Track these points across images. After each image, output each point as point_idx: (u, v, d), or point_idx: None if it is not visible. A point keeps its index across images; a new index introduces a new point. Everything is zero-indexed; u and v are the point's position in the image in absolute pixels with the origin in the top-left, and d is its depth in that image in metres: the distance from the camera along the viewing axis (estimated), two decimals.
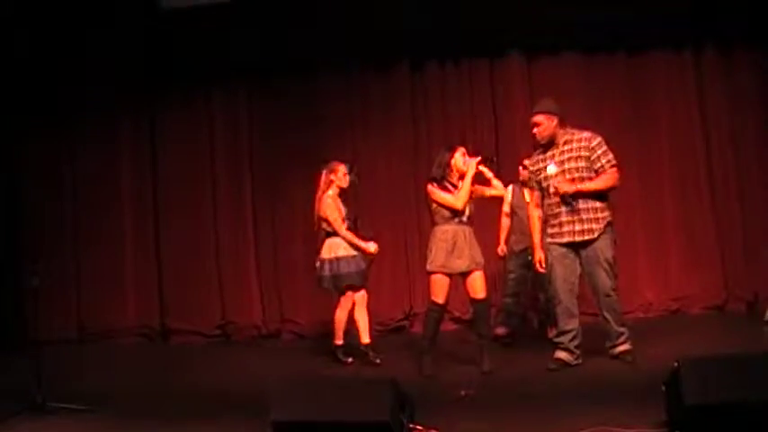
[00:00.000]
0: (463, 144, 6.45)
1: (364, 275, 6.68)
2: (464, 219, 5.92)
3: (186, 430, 4.93)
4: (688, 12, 7.91)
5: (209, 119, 8.86)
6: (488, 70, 8.62)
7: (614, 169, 5.80)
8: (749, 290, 8.13)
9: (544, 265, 5.97)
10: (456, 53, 8.58)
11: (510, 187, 7.07)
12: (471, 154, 6.09)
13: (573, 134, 5.87)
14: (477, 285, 5.92)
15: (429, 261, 5.96)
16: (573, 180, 5.76)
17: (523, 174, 6.90)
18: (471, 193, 5.95)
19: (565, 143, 5.85)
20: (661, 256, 8.38)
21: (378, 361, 6.56)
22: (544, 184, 5.91)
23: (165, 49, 8.43)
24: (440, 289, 5.92)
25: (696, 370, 4.04)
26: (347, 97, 8.71)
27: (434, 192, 5.94)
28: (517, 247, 7.09)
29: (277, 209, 8.71)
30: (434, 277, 5.93)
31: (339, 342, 6.74)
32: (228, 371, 7.07)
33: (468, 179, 5.89)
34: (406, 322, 8.40)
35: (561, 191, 5.73)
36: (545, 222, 5.97)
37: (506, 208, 7.23)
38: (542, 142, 5.92)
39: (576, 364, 5.90)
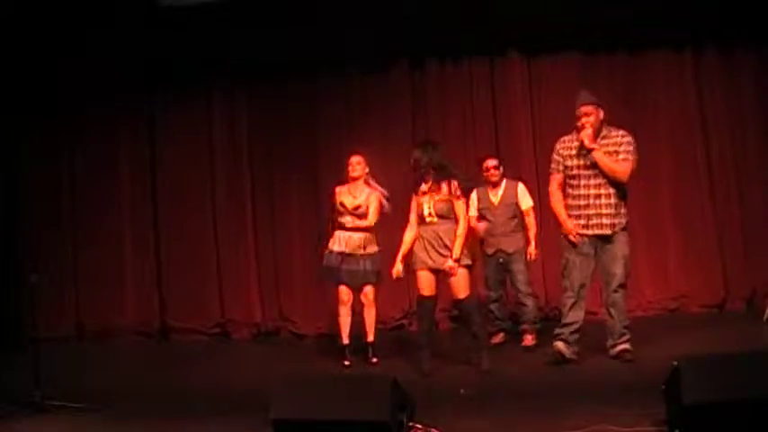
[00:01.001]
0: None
1: (373, 274, 6.58)
2: (434, 219, 5.99)
3: (186, 428, 4.94)
4: (688, 12, 7.92)
5: (208, 119, 8.84)
6: (488, 70, 8.61)
7: (627, 163, 5.96)
8: (748, 288, 8.13)
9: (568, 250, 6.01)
10: (456, 52, 8.57)
11: (474, 192, 6.87)
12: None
13: (610, 130, 6.04)
14: (456, 285, 5.92)
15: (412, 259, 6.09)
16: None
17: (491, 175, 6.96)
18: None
19: (603, 137, 5.99)
20: (660, 255, 8.37)
21: (374, 360, 6.57)
22: (572, 172, 5.94)
23: (165, 49, 8.43)
24: (421, 282, 6.01)
25: (695, 369, 4.04)
26: (347, 97, 8.71)
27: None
28: (489, 251, 7.06)
29: (276, 208, 8.71)
30: (417, 273, 6.05)
31: (346, 341, 6.65)
32: (228, 369, 7.07)
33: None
34: (405, 321, 8.39)
35: (581, 137, 5.85)
36: (570, 214, 6.01)
37: (473, 212, 7.13)
38: (591, 133, 5.95)
39: (572, 359, 5.93)
